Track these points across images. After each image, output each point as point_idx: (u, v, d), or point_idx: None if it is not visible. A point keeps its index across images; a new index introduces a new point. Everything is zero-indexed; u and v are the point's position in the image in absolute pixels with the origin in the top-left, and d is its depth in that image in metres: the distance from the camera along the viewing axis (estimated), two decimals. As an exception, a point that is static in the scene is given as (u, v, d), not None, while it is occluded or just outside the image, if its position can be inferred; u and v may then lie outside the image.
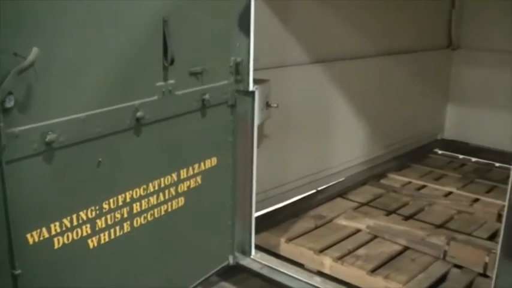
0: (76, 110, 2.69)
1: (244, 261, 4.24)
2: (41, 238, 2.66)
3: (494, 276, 3.20)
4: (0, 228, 2.47)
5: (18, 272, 2.55)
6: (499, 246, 3.16)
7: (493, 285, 3.21)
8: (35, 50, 2.36)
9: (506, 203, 3.07)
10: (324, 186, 6.01)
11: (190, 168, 3.54)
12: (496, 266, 3.19)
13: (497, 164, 6.90)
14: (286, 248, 4.69)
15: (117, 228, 3.06)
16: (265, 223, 4.85)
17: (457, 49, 7.78)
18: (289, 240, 4.75)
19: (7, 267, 2.53)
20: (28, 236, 2.60)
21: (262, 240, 4.63)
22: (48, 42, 2.48)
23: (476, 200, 5.85)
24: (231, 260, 4.20)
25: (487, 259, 4.30)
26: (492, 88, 6.92)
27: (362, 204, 5.66)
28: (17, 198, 2.49)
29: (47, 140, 2.55)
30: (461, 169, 6.98)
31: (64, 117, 2.63)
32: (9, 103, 2.35)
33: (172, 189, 3.42)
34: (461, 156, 7.53)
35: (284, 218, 5.20)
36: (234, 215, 4.10)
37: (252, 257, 4.27)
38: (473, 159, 7.40)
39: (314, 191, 5.89)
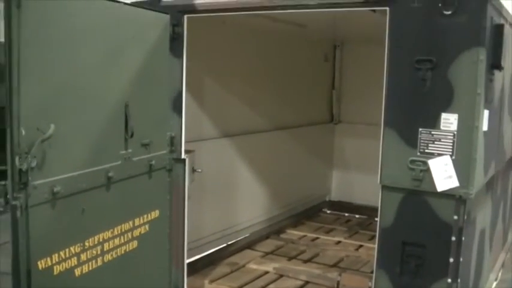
0: (71, 170, 3.65)
1: (179, 297, 5.16)
2: (46, 266, 3.54)
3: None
4: (22, 257, 3.35)
5: (32, 290, 3.44)
6: (374, 273, 4.52)
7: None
8: (52, 126, 3.34)
9: (376, 246, 4.47)
10: (234, 241, 7.03)
11: (141, 218, 4.50)
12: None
13: (376, 218, 8.09)
14: (210, 288, 5.69)
15: (94, 262, 3.97)
16: (189, 270, 5.66)
17: (339, 123, 9.26)
18: (212, 281, 5.75)
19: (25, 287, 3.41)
20: (39, 263, 3.48)
21: (189, 283, 5.49)
22: (57, 121, 3.46)
23: (361, 246, 7.13)
24: (168, 296, 5.10)
25: (370, 284, 5.46)
26: (368, 155, 8.11)
27: (267, 253, 6.77)
28: (32, 234, 3.39)
29: (54, 191, 3.49)
30: (347, 224, 8.28)
31: (64, 175, 3.58)
32: (33, 163, 3.30)
33: (129, 234, 4.36)
34: (346, 214, 8.86)
35: (203, 265, 6.19)
36: (170, 258, 5.03)
37: (184, 293, 5.21)
38: (357, 216, 8.73)
39: (225, 244, 6.90)
